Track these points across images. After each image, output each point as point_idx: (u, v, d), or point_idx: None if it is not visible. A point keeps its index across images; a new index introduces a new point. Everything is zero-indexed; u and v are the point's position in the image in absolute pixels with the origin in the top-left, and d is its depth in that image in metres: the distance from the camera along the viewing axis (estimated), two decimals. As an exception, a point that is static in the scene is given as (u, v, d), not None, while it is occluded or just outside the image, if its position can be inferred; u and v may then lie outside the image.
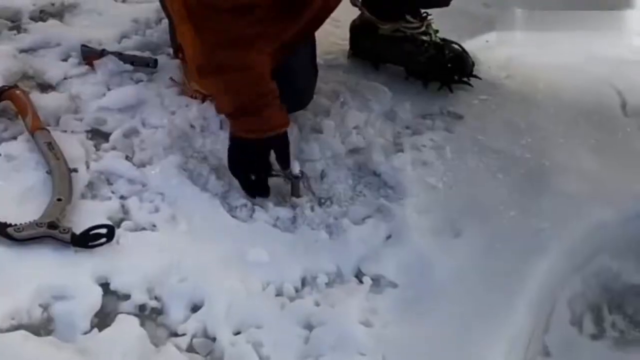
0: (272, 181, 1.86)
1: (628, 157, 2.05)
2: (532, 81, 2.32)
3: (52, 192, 1.68)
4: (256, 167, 1.82)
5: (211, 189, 1.84)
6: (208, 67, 1.72)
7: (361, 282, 1.67)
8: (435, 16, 2.23)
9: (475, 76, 2.24)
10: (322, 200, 1.86)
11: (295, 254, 1.71)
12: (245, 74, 1.71)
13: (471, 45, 2.32)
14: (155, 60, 2.17)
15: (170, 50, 2.23)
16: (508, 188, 1.91)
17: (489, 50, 2.44)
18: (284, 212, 1.82)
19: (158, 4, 2.31)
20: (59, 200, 1.66)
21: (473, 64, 2.23)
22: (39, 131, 1.83)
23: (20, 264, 1.54)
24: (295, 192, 1.85)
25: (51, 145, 1.79)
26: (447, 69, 2.20)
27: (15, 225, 1.57)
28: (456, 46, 2.22)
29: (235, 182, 1.85)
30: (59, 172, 1.73)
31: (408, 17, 2.19)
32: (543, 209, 1.84)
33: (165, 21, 2.29)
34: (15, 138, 1.87)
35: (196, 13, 1.67)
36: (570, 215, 1.83)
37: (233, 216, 1.79)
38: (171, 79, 2.12)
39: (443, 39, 2.22)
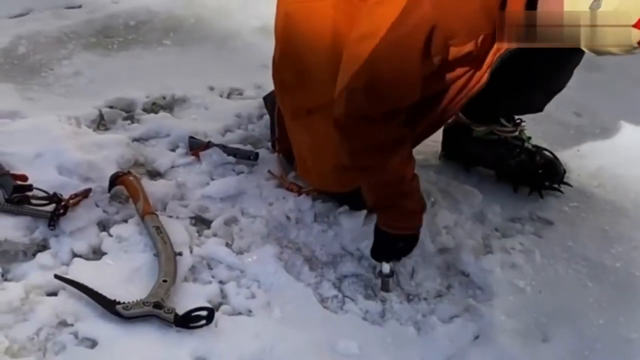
0: (363, 276, 1.94)
1: None
2: (623, 191, 2.34)
3: (158, 274, 1.77)
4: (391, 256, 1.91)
5: (304, 279, 1.91)
6: (353, 168, 1.84)
7: (449, 380, 1.70)
8: (529, 123, 2.29)
9: (566, 183, 2.28)
10: (411, 297, 1.91)
11: (384, 348, 1.75)
12: (386, 175, 1.82)
13: (562, 153, 2.36)
14: (257, 154, 2.27)
15: (270, 144, 2.34)
16: (597, 296, 1.93)
17: (580, 158, 2.47)
18: (373, 306, 1.87)
19: (260, 100, 2.45)
20: (165, 281, 1.74)
21: (564, 172, 2.26)
22: (148, 215, 1.93)
23: (127, 340, 1.62)
24: (385, 288, 1.91)
25: (159, 230, 1.89)
26: (538, 175, 2.24)
27: (124, 303, 1.66)
28: (548, 153, 2.26)
29: (327, 274, 1.93)
30: (166, 255, 1.82)
31: (502, 121, 2.24)
32: (633, 319, 1.85)
33: (266, 117, 2.41)
34: (126, 221, 1.97)
35: (345, 124, 1.75)
36: (660, 326, 1.82)
37: (324, 307, 1.85)
38: (269, 172, 2.21)
39: (535, 146, 2.26)
